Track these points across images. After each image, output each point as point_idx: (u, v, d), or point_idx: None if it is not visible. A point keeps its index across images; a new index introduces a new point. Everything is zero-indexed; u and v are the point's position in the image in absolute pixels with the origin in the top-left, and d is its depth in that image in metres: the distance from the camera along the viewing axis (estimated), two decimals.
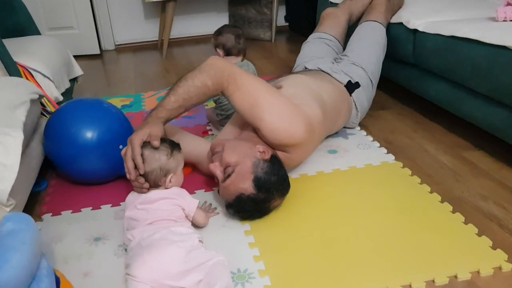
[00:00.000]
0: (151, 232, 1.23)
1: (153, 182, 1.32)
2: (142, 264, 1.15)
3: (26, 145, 1.55)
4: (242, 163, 1.40)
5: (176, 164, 1.36)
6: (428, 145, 1.90)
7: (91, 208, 1.59)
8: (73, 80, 2.38)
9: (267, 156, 1.44)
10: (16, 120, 1.37)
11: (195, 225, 1.39)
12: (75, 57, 2.46)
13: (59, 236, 1.45)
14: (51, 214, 1.58)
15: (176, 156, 1.36)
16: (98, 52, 3.67)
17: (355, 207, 1.50)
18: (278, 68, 3.09)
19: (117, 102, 2.59)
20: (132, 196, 1.36)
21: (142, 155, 1.31)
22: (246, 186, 1.37)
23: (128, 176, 1.32)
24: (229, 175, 1.39)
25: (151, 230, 1.24)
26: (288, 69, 3.01)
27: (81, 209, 1.59)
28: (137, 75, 3.15)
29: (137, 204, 1.31)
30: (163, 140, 1.37)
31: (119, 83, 3.01)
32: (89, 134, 1.60)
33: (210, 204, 1.55)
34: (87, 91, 2.81)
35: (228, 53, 1.98)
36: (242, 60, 2.00)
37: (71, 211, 1.58)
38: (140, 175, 1.31)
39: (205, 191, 1.65)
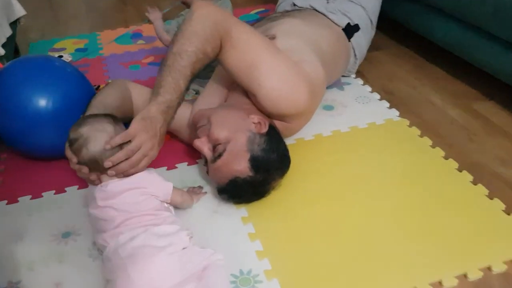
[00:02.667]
0: (128, 237, 1.00)
1: (106, 169, 1.05)
2: (128, 281, 0.93)
3: None
4: (235, 139, 1.17)
5: None
6: (434, 95, 1.70)
7: (54, 191, 1.34)
8: (15, 23, 1.99)
9: (264, 128, 1.21)
10: None
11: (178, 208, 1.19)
12: None
13: (18, 233, 1.20)
14: (6, 201, 1.32)
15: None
16: None
17: (363, 181, 1.31)
18: None
19: (69, 45, 2.24)
20: (92, 188, 1.10)
21: (77, 136, 1.05)
22: (241, 167, 1.15)
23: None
24: (220, 155, 1.16)
25: (128, 234, 1.00)
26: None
27: (42, 194, 1.33)
28: (89, 9, 2.73)
29: (99, 200, 1.05)
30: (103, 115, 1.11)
31: (69, 20, 2.61)
32: (42, 102, 1.31)
33: (200, 187, 1.32)
34: (33, 33, 2.41)
35: None
36: None
37: (30, 196, 1.33)
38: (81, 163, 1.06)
39: (188, 165, 1.42)
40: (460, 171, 1.33)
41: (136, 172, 1.08)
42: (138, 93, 1.39)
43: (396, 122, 1.56)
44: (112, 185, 1.06)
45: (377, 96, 1.70)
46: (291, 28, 1.49)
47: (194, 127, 1.30)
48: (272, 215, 1.21)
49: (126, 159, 1.05)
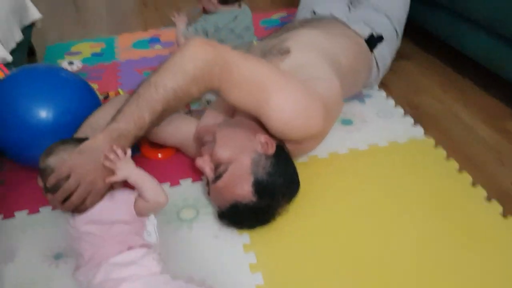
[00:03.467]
0: (92, 274, 0.91)
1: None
2: None
3: None
4: (238, 161, 1.08)
5: None
6: (463, 112, 1.57)
7: (51, 207, 1.27)
8: (30, 27, 1.95)
9: (271, 149, 1.11)
10: None
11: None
12: None
13: (11, 252, 1.15)
14: (2, 216, 1.27)
15: None
16: None
17: (380, 208, 1.20)
18: (276, 1, 2.64)
19: (86, 48, 2.19)
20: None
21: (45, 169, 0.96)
22: (244, 191, 1.05)
23: None
24: (220, 175, 1.08)
25: (93, 270, 0.92)
26: (287, 1, 2.57)
27: (40, 209, 1.27)
28: (110, 11, 2.68)
29: (71, 229, 0.97)
30: (69, 141, 1.02)
31: (88, 22, 2.57)
32: (43, 114, 1.25)
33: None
34: (52, 35, 2.38)
35: (223, 1, 1.63)
36: (239, 6, 1.64)
37: (27, 211, 1.27)
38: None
39: (192, 181, 1.33)
40: (489, 201, 1.20)
41: (88, 207, 0.96)
42: None
43: (421, 142, 1.43)
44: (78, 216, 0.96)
45: (401, 110, 1.57)
46: (308, 40, 1.38)
47: (199, 141, 1.22)
48: (277, 244, 1.12)
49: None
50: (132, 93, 1.05)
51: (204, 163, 1.12)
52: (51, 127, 1.25)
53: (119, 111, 1.03)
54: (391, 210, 1.19)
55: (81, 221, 0.94)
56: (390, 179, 1.29)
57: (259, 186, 1.05)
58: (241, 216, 1.08)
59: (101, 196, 0.97)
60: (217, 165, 1.10)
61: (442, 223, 1.14)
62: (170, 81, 1.02)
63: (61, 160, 0.94)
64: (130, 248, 0.93)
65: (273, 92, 1.09)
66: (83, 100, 1.35)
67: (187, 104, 1.64)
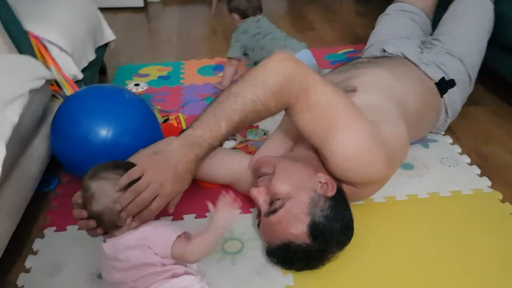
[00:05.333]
0: None
1: (110, 224, 0.94)
2: None
3: (25, 145, 1.25)
4: (296, 197, 1.04)
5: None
6: None
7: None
8: (104, 46, 2.05)
9: (331, 191, 1.07)
10: (2, 125, 1.06)
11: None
12: (116, 9, 2.10)
13: (57, 266, 1.17)
14: (55, 228, 1.30)
15: None
16: (142, 4, 3.30)
17: (435, 263, 1.11)
18: (342, 35, 2.62)
19: (154, 71, 2.26)
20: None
21: (86, 190, 0.93)
22: (298, 231, 1.01)
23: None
24: (275, 210, 1.04)
25: None
26: (354, 37, 2.54)
27: None
28: (180, 37, 2.77)
29: (106, 260, 0.96)
30: (119, 164, 0.98)
31: (159, 46, 2.66)
32: (103, 132, 1.28)
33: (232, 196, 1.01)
34: (124, 56, 2.48)
35: (244, 15, 1.90)
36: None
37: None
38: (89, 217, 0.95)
39: (241, 213, 1.31)
40: None
41: (151, 216, 0.96)
42: None
43: (486, 194, 1.33)
44: (113, 242, 0.95)
45: (467, 159, 1.48)
46: (376, 80, 1.33)
47: (255, 173, 1.20)
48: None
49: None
50: (211, 102, 1.06)
51: (259, 194, 1.09)
52: (109, 146, 1.28)
53: (196, 119, 1.04)
54: (449, 266, 1.10)
55: (120, 246, 0.93)
56: (450, 232, 1.20)
57: (315, 229, 1.01)
58: (292, 257, 1.04)
59: (166, 201, 0.97)
60: (272, 199, 1.06)
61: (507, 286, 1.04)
62: (250, 93, 1.02)
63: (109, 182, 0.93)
64: (174, 276, 0.92)
65: (343, 126, 1.06)
66: (143, 122, 1.37)
67: (243, 131, 1.64)
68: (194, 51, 2.51)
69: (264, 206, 1.08)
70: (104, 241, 0.96)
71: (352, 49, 2.38)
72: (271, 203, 1.06)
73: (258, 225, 1.12)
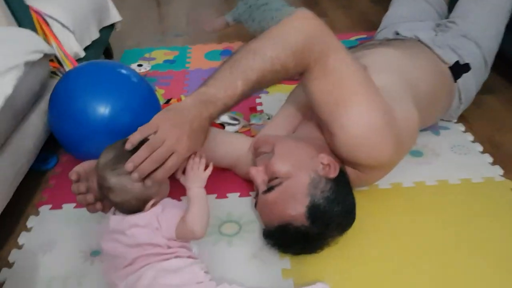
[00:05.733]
0: (136, 277, 0.86)
1: (130, 210, 0.89)
2: None
3: (20, 120, 1.23)
4: (296, 177, 0.99)
5: (159, 185, 0.90)
6: None
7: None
8: (110, 27, 2.02)
9: (333, 173, 1.02)
10: None
11: None
12: None
13: (50, 243, 1.14)
14: (50, 206, 1.27)
15: None
16: None
17: (440, 254, 1.06)
18: (356, 23, 2.55)
19: (160, 55, 2.22)
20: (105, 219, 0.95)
21: (104, 180, 0.87)
22: (296, 212, 0.97)
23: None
24: (272, 187, 1.00)
25: (136, 273, 0.87)
26: (367, 24, 2.47)
27: None
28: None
29: (109, 232, 0.91)
30: (134, 151, 0.87)
31: (168, 30, 2.63)
32: (102, 110, 1.25)
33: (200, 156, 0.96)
34: (131, 40, 2.45)
35: None
36: None
37: (74, 204, 1.27)
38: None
39: (240, 196, 1.27)
40: None
41: (165, 175, 0.88)
42: None
43: (498, 183, 1.26)
44: (122, 217, 0.90)
45: (479, 147, 1.41)
46: (387, 60, 1.26)
47: (255, 153, 1.15)
48: (319, 275, 1.01)
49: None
50: (227, 59, 0.98)
51: (258, 173, 1.04)
52: (108, 124, 1.25)
53: (210, 76, 0.97)
54: (455, 255, 1.05)
55: (128, 222, 0.88)
56: (458, 220, 1.15)
57: (314, 210, 0.96)
58: (289, 239, 0.99)
59: (182, 159, 0.89)
60: (271, 179, 1.02)
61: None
62: (270, 50, 0.95)
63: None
64: (177, 257, 0.88)
65: (358, 100, 1.00)
66: (143, 101, 1.34)
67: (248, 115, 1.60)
68: (201, 36, 2.46)
69: (262, 185, 1.03)
70: (114, 214, 0.91)
71: (365, 36, 2.31)
72: (269, 182, 1.02)
73: (256, 205, 1.07)
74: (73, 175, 0.92)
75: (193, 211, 0.88)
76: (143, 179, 0.85)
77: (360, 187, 1.19)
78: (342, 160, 1.08)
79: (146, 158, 0.84)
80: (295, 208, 0.97)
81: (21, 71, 1.16)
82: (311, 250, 1.02)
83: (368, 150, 1.02)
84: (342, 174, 1.04)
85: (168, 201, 0.93)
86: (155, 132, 0.86)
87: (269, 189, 1.00)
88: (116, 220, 0.90)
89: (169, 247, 0.88)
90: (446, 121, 1.53)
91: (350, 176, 1.09)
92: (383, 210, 1.18)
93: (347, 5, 2.84)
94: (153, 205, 0.89)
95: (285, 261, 1.05)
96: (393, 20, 1.64)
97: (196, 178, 0.92)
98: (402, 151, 1.13)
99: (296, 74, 1.00)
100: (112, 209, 0.93)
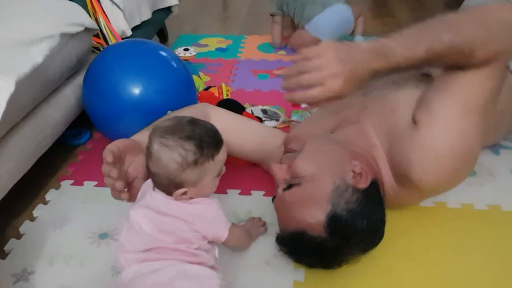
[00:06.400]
0: (152, 268, 0.79)
1: (160, 186, 0.83)
2: None
3: (51, 91, 1.21)
4: (319, 181, 0.89)
5: (199, 176, 0.82)
6: None
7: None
8: (167, 10, 1.99)
9: (363, 183, 0.90)
10: (21, 62, 1.01)
11: None
12: None
13: (63, 219, 1.12)
14: (72, 181, 1.25)
15: (204, 165, 0.81)
16: None
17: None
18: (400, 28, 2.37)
19: (213, 43, 2.18)
20: (146, 185, 0.89)
21: (150, 144, 0.81)
22: (314, 220, 0.86)
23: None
24: (291, 186, 0.90)
25: (153, 264, 0.80)
26: None
27: None
28: (250, 11, 2.67)
29: (143, 206, 0.84)
30: (195, 133, 0.81)
31: (226, 18, 2.58)
32: (134, 90, 1.20)
33: (259, 219, 1.08)
34: (187, 25, 2.42)
35: None
36: None
37: (95, 183, 1.24)
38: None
39: (264, 195, 1.18)
40: None
41: (302, 99, 0.84)
42: (217, 119, 1.15)
43: None
44: (163, 200, 0.83)
45: None
46: None
47: (284, 149, 1.06)
48: None
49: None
50: (420, 24, 0.90)
51: (280, 171, 0.95)
52: (140, 105, 1.21)
53: (396, 33, 0.87)
54: None
55: (169, 208, 0.83)
56: (504, 255, 0.99)
57: (334, 221, 0.85)
58: (303, 249, 0.89)
59: (325, 98, 0.81)
60: (292, 179, 0.92)
61: None
62: (468, 30, 0.85)
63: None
64: (200, 263, 0.81)
65: (469, 120, 0.91)
66: (179, 85, 1.29)
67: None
68: (258, 29, 2.39)
69: (282, 183, 0.94)
70: (154, 189, 0.85)
71: None
72: (290, 181, 0.92)
73: (273, 200, 0.98)
74: (108, 156, 0.85)
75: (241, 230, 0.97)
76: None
77: (394, 207, 1.04)
78: (392, 167, 0.97)
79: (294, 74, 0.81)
80: (313, 215, 0.86)
81: (56, 42, 1.14)
82: (327, 265, 0.91)
83: (432, 169, 0.92)
84: (374, 186, 0.93)
85: (213, 202, 0.86)
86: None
87: (288, 187, 0.91)
88: (157, 198, 0.84)
89: (197, 249, 0.81)
90: (510, 140, 1.35)
91: (388, 192, 0.97)
92: (419, 230, 1.05)
93: (418, 7, 2.66)
94: (183, 194, 0.81)
95: (299, 273, 0.95)
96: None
97: (255, 234, 1.03)
98: (458, 178, 1.01)
99: (469, 65, 0.89)
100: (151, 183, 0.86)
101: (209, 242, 0.85)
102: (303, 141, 0.98)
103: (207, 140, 0.81)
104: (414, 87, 1.02)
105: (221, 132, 1.12)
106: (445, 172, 0.92)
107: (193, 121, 0.83)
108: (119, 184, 0.85)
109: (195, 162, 0.79)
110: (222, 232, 0.86)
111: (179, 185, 0.81)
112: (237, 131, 1.17)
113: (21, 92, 1.00)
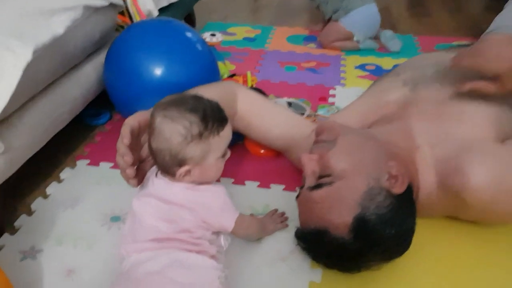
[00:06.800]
0: (149, 256, 0.76)
1: (162, 166, 0.79)
2: None
3: (71, 66, 1.18)
4: (351, 180, 0.82)
5: (203, 153, 0.77)
6: None
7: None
8: None
9: (399, 188, 0.82)
10: (41, 31, 0.97)
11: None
12: None
13: (75, 199, 1.08)
14: (88, 161, 1.22)
15: (209, 140, 0.77)
16: None
17: None
18: (462, 27, 2.28)
19: (241, 32, 2.13)
20: (150, 173, 0.86)
21: (152, 119, 0.77)
22: (339, 221, 0.80)
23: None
24: (321, 185, 0.83)
25: (151, 253, 0.76)
26: (476, 31, 2.18)
27: None
28: (281, 2, 2.61)
29: (145, 195, 0.82)
30: (198, 105, 0.77)
31: (257, 9, 2.53)
32: (156, 70, 1.17)
33: (282, 214, 1.02)
34: (216, 13, 2.38)
35: None
36: None
37: (111, 164, 1.20)
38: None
39: (284, 189, 1.12)
40: None
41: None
42: (244, 100, 1.10)
43: None
44: (164, 185, 0.80)
45: None
46: None
47: (315, 139, 0.98)
48: None
49: None
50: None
51: (310, 162, 0.87)
52: (161, 85, 1.17)
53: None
54: None
55: (170, 194, 0.79)
56: None
57: (360, 225, 0.79)
58: (322, 248, 0.83)
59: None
60: (322, 173, 0.85)
61: None
62: None
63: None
64: (199, 252, 0.77)
65: None
66: (202, 68, 1.24)
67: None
68: (288, 20, 2.33)
69: (310, 177, 0.86)
70: (156, 176, 0.82)
71: (469, 42, 2.04)
72: (320, 177, 0.86)
73: (297, 197, 0.91)
74: (126, 137, 0.79)
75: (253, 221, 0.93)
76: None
77: (425, 216, 0.96)
78: (441, 173, 0.90)
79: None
80: (340, 215, 0.80)
81: (79, 14, 1.10)
82: (346, 268, 0.85)
83: (493, 190, 0.84)
84: (409, 192, 0.85)
85: (219, 189, 0.83)
86: None
87: (317, 186, 0.84)
88: (159, 184, 0.80)
89: (198, 238, 0.78)
90: None
91: (421, 199, 0.91)
92: (451, 243, 0.97)
93: (456, 8, 2.56)
94: (187, 174, 0.77)
95: (316, 273, 0.89)
96: (508, 21, 1.37)
97: (273, 228, 0.98)
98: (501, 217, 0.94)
99: None
100: (155, 169, 0.83)
101: (214, 232, 0.82)
102: (337, 133, 0.91)
103: (211, 114, 0.77)
104: (482, 100, 0.94)
105: (247, 113, 1.06)
106: (503, 199, 0.85)
107: (196, 96, 0.80)
108: (130, 171, 0.80)
109: (200, 135, 0.75)
110: (228, 222, 0.82)
111: (182, 162, 0.76)
112: (264, 115, 1.11)
113: (40, 64, 0.97)
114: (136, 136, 0.83)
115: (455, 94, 0.98)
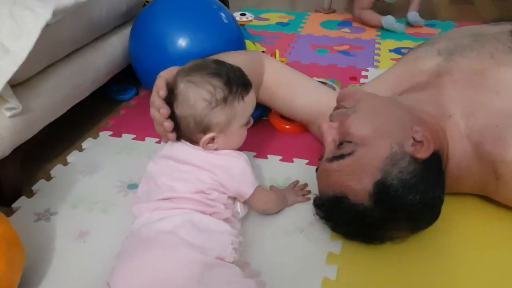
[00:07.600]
0: (162, 216, 0.73)
1: (185, 133, 0.78)
2: (125, 273, 0.68)
3: (96, 37, 1.17)
4: (373, 147, 0.77)
5: (228, 119, 0.76)
6: None
7: (156, 140, 1.17)
8: None
9: (424, 152, 0.76)
10: None
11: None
12: None
13: (95, 167, 1.07)
14: (111, 132, 1.21)
15: (234, 105, 0.75)
16: None
17: None
18: (505, 14, 2.16)
19: (275, 17, 2.09)
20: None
21: (175, 85, 0.76)
22: (360, 186, 0.75)
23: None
24: (341, 156, 0.78)
25: (164, 212, 0.74)
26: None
27: (145, 138, 1.18)
28: None
29: (162, 157, 0.80)
30: (218, 65, 0.77)
31: None
32: (181, 43, 1.14)
33: (306, 185, 0.98)
34: (252, 1, 2.35)
35: None
36: None
37: (134, 136, 1.19)
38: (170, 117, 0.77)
39: (307, 164, 1.07)
40: None
41: None
42: (270, 69, 1.07)
43: None
44: (183, 147, 0.79)
45: None
46: None
47: (336, 106, 0.93)
48: (372, 274, 0.78)
49: None
50: None
51: (330, 129, 0.83)
52: (187, 59, 1.13)
53: None
54: None
55: (188, 155, 0.78)
56: None
57: (382, 190, 0.74)
58: (342, 215, 0.78)
59: None
60: (343, 140, 0.80)
61: None
62: None
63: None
64: (213, 214, 0.75)
65: None
66: (230, 43, 1.21)
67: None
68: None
69: (330, 146, 0.82)
70: (179, 140, 0.80)
71: None
72: (340, 144, 0.81)
73: (317, 170, 0.87)
74: (161, 89, 0.76)
75: (272, 194, 0.90)
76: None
77: (453, 190, 0.90)
78: (477, 143, 0.84)
79: None
80: (360, 181, 0.75)
81: None
82: (367, 237, 0.80)
83: None
84: (436, 159, 0.79)
85: (240, 155, 0.80)
86: None
87: (337, 157, 0.79)
88: (179, 147, 0.79)
89: (214, 200, 0.75)
90: None
91: (450, 171, 0.85)
92: (484, 222, 0.90)
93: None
94: (210, 142, 0.76)
95: (336, 244, 0.84)
96: None
97: (294, 199, 0.94)
98: None
99: None
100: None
101: (230, 197, 0.79)
102: (358, 98, 0.86)
103: (234, 78, 0.75)
104: None
105: (274, 82, 1.03)
106: None
107: (218, 61, 0.79)
108: (168, 124, 0.76)
109: (225, 100, 0.74)
110: (246, 188, 0.79)
111: (207, 129, 0.75)
112: (290, 84, 1.08)
113: (62, 28, 0.97)
114: (170, 89, 0.80)
115: (492, 64, 0.91)
